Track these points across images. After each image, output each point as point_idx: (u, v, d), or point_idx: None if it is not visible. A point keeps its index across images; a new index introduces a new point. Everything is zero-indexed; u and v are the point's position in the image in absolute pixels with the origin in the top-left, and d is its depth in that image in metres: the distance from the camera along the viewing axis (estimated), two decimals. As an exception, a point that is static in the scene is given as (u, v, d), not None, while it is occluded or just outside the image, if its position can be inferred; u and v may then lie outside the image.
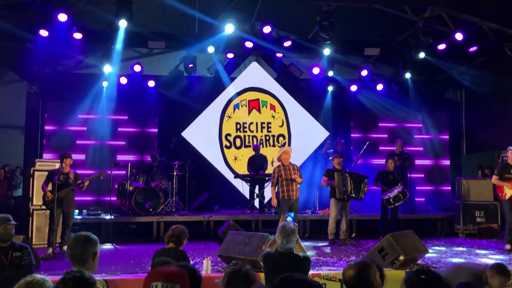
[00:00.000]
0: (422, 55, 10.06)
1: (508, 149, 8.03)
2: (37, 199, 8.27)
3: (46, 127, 11.25)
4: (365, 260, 2.86)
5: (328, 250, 7.97)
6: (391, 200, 8.80)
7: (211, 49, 10.34)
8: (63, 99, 11.30)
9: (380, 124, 12.59)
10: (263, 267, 4.55)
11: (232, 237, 6.48)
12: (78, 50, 9.93)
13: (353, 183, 8.60)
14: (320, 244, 8.63)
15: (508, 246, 7.84)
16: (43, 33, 9.19)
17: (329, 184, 8.74)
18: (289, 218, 4.85)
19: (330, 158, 9.21)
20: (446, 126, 12.80)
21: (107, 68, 10.37)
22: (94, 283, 2.40)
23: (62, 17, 8.89)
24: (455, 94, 12.86)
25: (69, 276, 2.38)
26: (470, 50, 10.07)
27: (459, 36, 9.59)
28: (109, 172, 10.24)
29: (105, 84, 10.95)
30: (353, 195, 8.62)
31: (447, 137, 12.76)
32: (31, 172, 8.50)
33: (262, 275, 5.59)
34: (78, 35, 9.35)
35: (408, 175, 10.71)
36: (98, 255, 3.01)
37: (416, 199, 11.54)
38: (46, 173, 7.89)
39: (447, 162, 12.68)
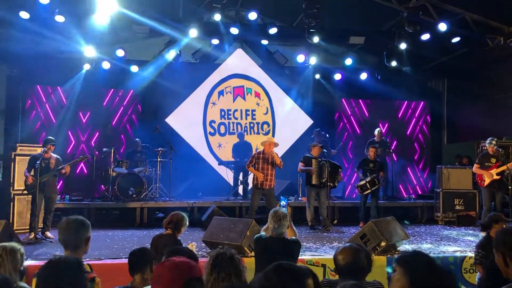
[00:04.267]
0: (403, 46, 10.16)
1: (487, 141, 8.24)
2: (18, 184, 8.17)
3: (27, 111, 11.02)
4: (355, 245, 2.91)
5: (310, 236, 8.07)
6: (359, 188, 9.00)
7: (195, 34, 10.25)
8: (44, 82, 11.10)
9: (363, 112, 12.69)
10: (253, 250, 4.61)
11: (216, 222, 6.51)
12: (60, 32, 9.71)
13: (329, 171, 8.71)
14: (302, 230, 8.72)
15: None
16: (24, 15, 8.98)
17: (306, 170, 8.85)
18: (283, 202, 4.92)
19: (310, 144, 9.30)
20: (428, 116, 12.98)
21: (89, 52, 10.22)
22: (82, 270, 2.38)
23: (44, -1, 8.71)
24: (437, 84, 13.03)
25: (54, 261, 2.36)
26: (453, 40, 10.19)
27: (442, 27, 9.69)
28: (91, 157, 10.19)
29: (86, 67, 10.77)
30: (329, 183, 8.74)
31: (428, 126, 12.94)
32: (12, 156, 8.37)
33: (246, 260, 5.66)
34: (60, 18, 9.17)
35: (389, 162, 10.89)
36: (90, 239, 2.99)
37: (397, 186, 11.76)
38: (27, 157, 7.78)
39: (427, 151, 12.88)
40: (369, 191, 9.00)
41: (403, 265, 2.40)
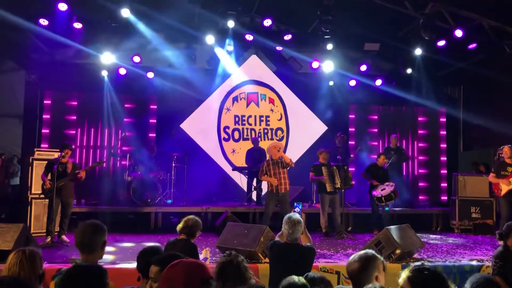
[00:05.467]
0: (420, 51, 10.10)
1: (501, 147, 8.16)
2: (35, 188, 8.30)
3: (45, 116, 11.19)
4: (370, 252, 2.87)
5: (324, 243, 8.04)
6: (383, 198, 8.89)
7: (210, 41, 10.33)
8: (61, 88, 11.27)
9: (378, 119, 12.63)
10: (268, 256, 4.62)
11: (230, 228, 6.53)
12: (78, 39, 9.89)
13: (340, 174, 8.70)
14: (316, 237, 8.69)
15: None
16: (43, 22, 9.17)
17: (317, 180, 8.86)
18: (297, 209, 4.92)
19: (317, 153, 9.28)
20: (444, 122, 12.86)
21: (107, 59, 10.36)
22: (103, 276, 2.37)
23: (62, 7, 8.88)
24: (453, 90, 12.90)
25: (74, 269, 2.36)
26: (469, 47, 10.10)
27: (458, 33, 9.62)
28: (108, 161, 10.30)
29: (104, 73, 10.92)
30: (345, 186, 8.74)
31: (444, 133, 12.81)
32: (30, 161, 8.52)
33: (260, 266, 5.67)
34: (78, 25, 9.34)
35: (404, 170, 10.80)
36: (106, 243, 3.02)
37: (412, 193, 11.65)
38: (45, 162, 7.91)
39: (443, 158, 12.74)
40: (393, 200, 8.93)
41: (412, 284, 2.36)
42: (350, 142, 11.94)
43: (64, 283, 2.22)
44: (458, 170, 11.28)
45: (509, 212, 7.93)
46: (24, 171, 9.02)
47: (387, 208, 9.13)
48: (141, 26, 9.71)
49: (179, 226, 4.87)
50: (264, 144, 11.32)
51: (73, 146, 8.09)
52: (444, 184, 12.48)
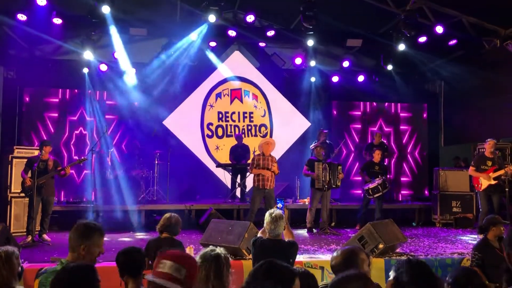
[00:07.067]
0: (402, 47, 10.20)
1: (486, 141, 8.27)
2: (15, 187, 8.16)
3: (24, 113, 10.98)
4: (354, 247, 2.91)
5: (308, 238, 8.08)
6: (370, 191, 8.99)
7: (193, 37, 10.25)
8: (41, 85, 11.08)
9: (360, 115, 12.73)
10: (251, 252, 4.62)
11: (214, 225, 6.51)
12: (58, 35, 9.71)
13: (331, 173, 8.75)
14: (300, 232, 8.73)
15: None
16: (21, 17, 8.96)
17: (310, 175, 8.89)
18: (279, 205, 4.93)
19: (312, 147, 9.35)
20: (425, 118, 13.02)
21: (88, 55, 10.20)
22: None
23: (41, 1, 8.69)
24: (434, 86, 13.06)
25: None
26: (449, 43, 10.22)
27: (439, 29, 9.72)
28: (89, 159, 10.15)
29: (85, 70, 10.76)
30: (332, 185, 8.78)
31: (426, 128, 12.97)
32: (10, 159, 8.36)
33: (245, 262, 5.67)
34: (57, 20, 9.15)
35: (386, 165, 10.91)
36: (101, 248, 2.92)
37: (394, 188, 11.80)
38: (25, 160, 7.78)
39: (424, 153, 12.90)
40: (381, 193, 9.01)
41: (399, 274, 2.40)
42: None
43: (58, 282, 2.21)
44: (439, 165, 11.44)
45: (488, 206, 8.07)
46: (4, 169, 8.84)
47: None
48: (122, 22, 9.55)
49: (161, 224, 4.83)
50: (247, 141, 11.33)
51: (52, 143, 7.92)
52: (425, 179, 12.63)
